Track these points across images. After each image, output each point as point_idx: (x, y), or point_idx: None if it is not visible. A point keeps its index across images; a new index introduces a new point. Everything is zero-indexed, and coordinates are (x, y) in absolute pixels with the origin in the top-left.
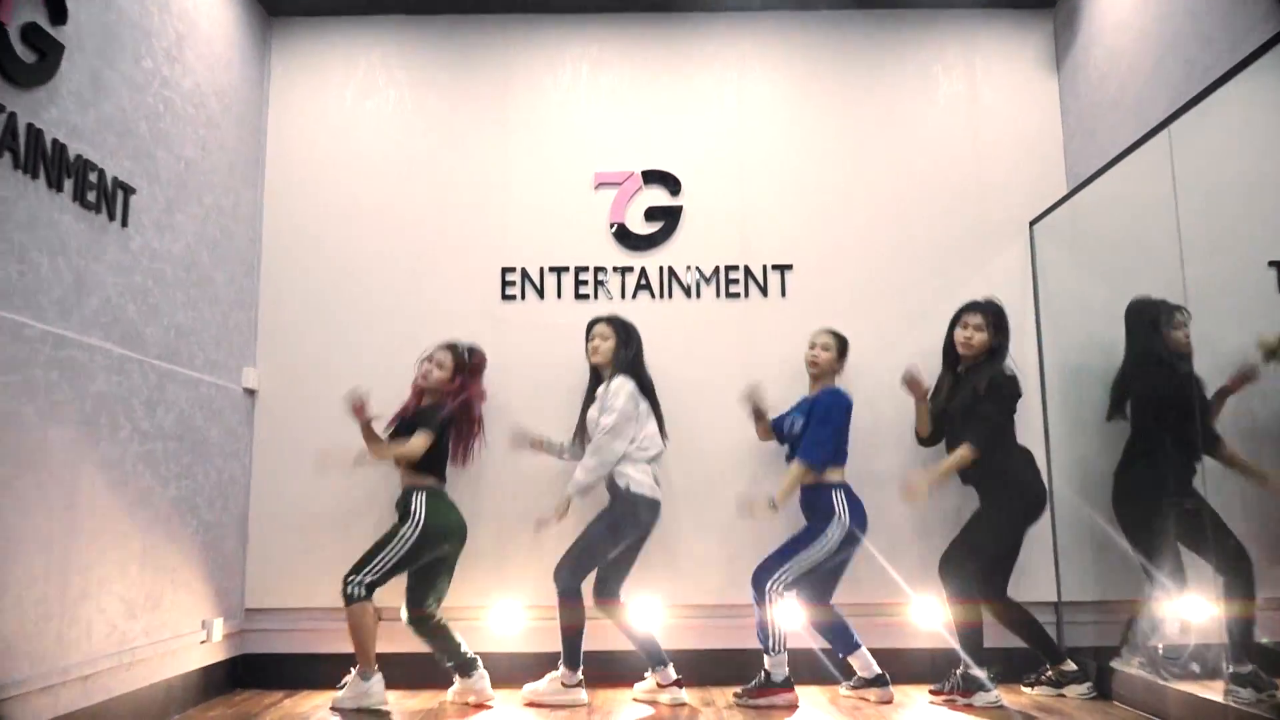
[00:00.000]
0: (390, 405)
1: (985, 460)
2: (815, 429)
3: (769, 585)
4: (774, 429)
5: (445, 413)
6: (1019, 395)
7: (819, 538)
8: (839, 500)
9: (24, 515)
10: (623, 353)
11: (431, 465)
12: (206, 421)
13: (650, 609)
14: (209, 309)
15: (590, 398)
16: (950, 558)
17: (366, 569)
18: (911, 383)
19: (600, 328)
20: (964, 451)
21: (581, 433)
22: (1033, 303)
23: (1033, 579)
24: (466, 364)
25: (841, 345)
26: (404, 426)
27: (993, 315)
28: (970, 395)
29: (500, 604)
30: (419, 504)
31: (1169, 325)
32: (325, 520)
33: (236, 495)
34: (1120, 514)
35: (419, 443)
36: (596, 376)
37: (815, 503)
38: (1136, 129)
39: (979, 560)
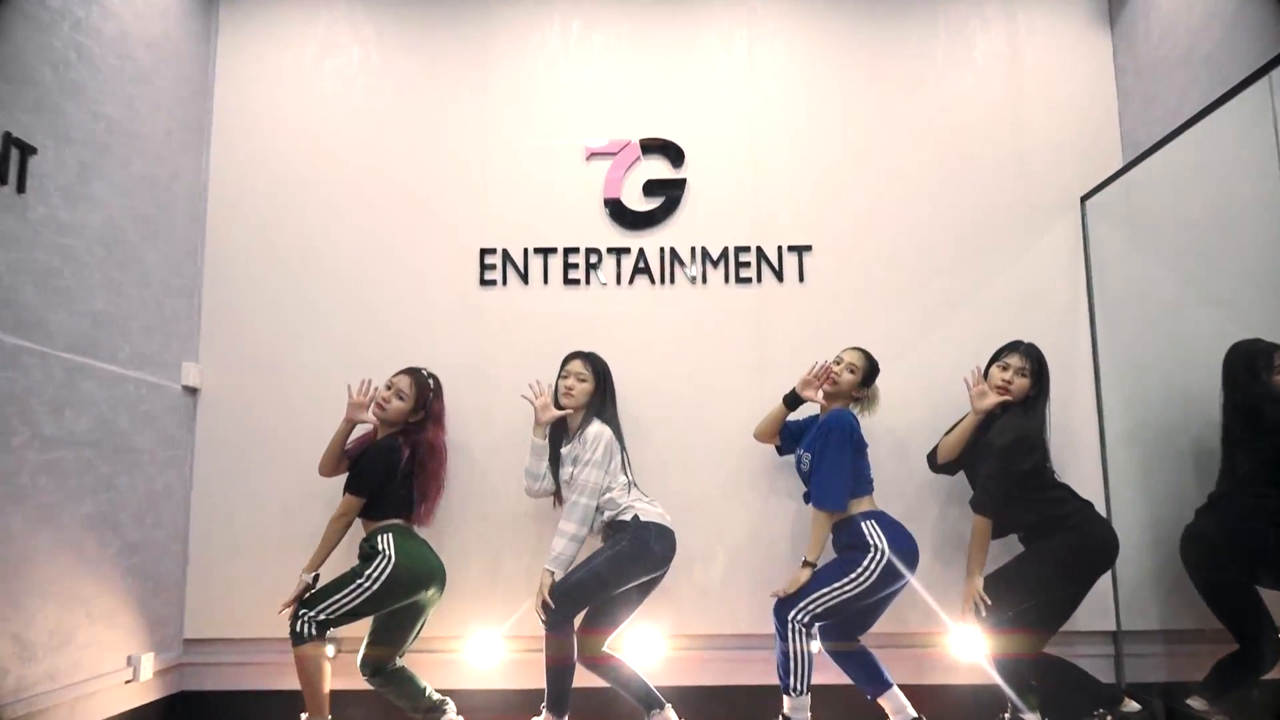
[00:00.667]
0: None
1: (1022, 522)
2: (826, 473)
3: (792, 615)
4: (785, 439)
5: (399, 465)
6: (1033, 456)
7: (854, 569)
8: (871, 531)
9: None
10: (598, 400)
11: (392, 506)
12: (134, 425)
13: (647, 641)
14: (137, 294)
15: (558, 438)
16: (994, 581)
17: (322, 606)
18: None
19: (577, 367)
20: (975, 526)
21: (555, 468)
22: (1085, 290)
23: (1087, 607)
24: (431, 394)
25: (870, 371)
26: (354, 465)
27: (1034, 361)
28: (987, 447)
29: (478, 636)
30: (386, 544)
31: (1269, 369)
32: (279, 537)
33: (173, 509)
34: (1211, 580)
35: (344, 507)
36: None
37: (845, 538)
38: (1211, 88)
39: (1025, 595)
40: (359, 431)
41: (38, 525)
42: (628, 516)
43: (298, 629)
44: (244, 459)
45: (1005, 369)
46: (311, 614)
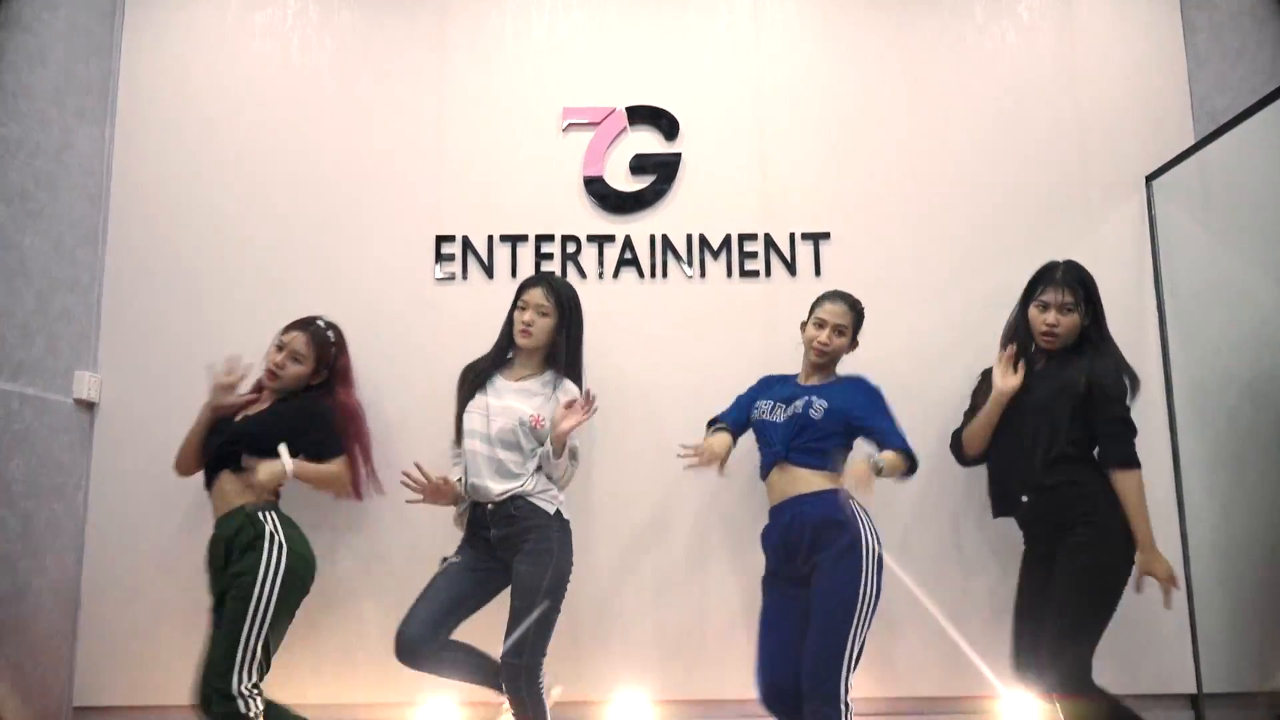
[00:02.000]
0: None
1: (1082, 488)
2: (889, 419)
3: (843, 688)
4: (734, 425)
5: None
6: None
7: (858, 579)
8: (860, 513)
9: None
10: (562, 340)
11: None
12: (6, 449)
13: (636, 709)
14: (7, 287)
15: (476, 388)
16: (1048, 638)
17: (240, 662)
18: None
19: (538, 296)
20: (1133, 485)
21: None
22: (1152, 283)
23: (1161, 665)
24: (334, 349)
25: (858, 320)
26: (247, 438)
27: (1081, 287)
28: (1080, 399)
29: (432, 702)
30: (274, 525)
31: None
32: (191, 581)
33: (61, 549)
34: None
35: (340, 470)
36: (498, 357)
37: (820, 511)
38: None
39: (1088, 634)
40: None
41: None
42: (552, 508)
43: (231, 710)
44: (150, 487)
45: (1045, 309)
46: (236, 682)
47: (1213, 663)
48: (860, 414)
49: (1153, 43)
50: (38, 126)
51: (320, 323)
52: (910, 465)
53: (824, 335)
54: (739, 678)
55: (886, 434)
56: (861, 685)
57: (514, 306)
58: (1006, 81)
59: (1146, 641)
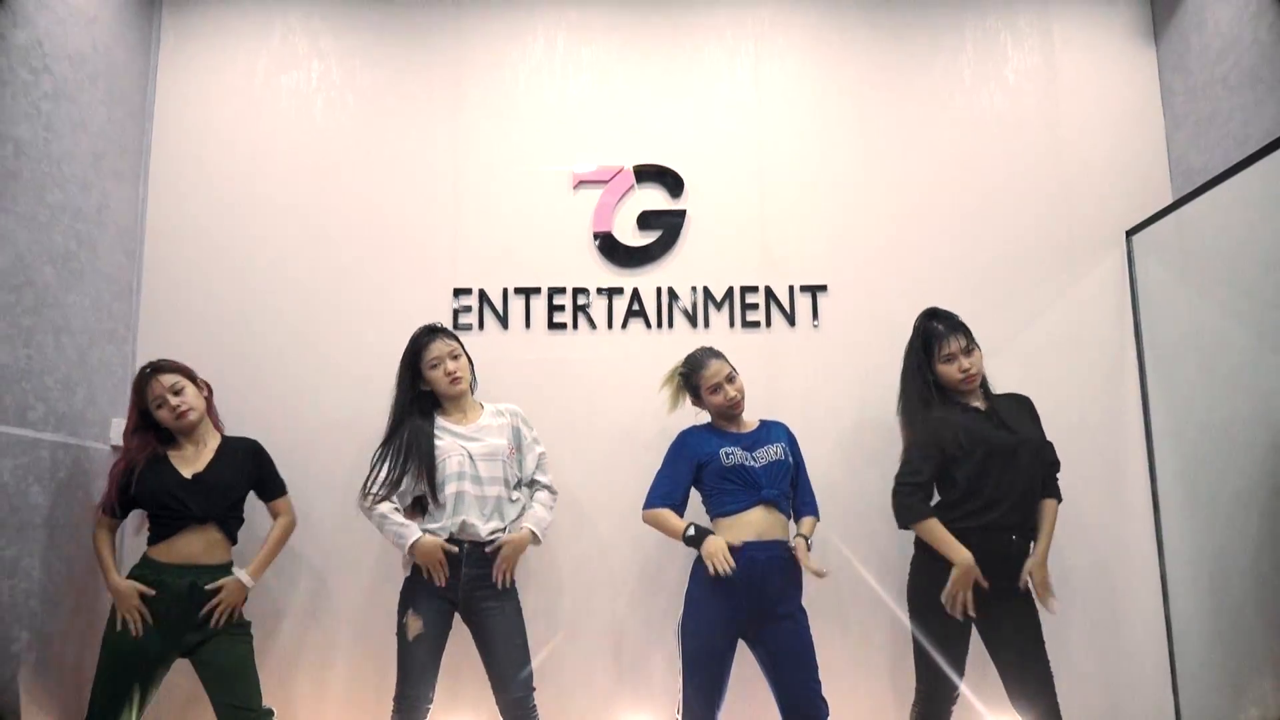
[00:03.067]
0: (320, 461)
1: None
2: (805, 476)
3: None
4: (682, 503)
5: None
6: None
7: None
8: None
9: None
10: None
11: None
12: (47, 496)
13: None
14: (53, 343)
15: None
16: (1031, 676)
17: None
18: None
19: (444, 346)
20: (1054, 512)
21: (430, 485)
22: (1133, 335)
23: (1141, 701)
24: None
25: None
26: (220, 490)
27: (964, 326)
28: (1028, 441)
29: None
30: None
31: None
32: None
33: (99, 586)
34: None
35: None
36: (427, 405)
37: (789, 566)
38: (1271, 122)
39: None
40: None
41: None
42: (541, 529)
43: None
44: None
45: (952, 360)
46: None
47: (1191, 698)
48: (798, 461)
49: (1132, 105)
50: (79, 191)
51: (160, 363)
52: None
53: (733, 389)
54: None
55: (804, 485)
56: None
57: (418, 366)
58: (994, 142)
59: (1127, 678)
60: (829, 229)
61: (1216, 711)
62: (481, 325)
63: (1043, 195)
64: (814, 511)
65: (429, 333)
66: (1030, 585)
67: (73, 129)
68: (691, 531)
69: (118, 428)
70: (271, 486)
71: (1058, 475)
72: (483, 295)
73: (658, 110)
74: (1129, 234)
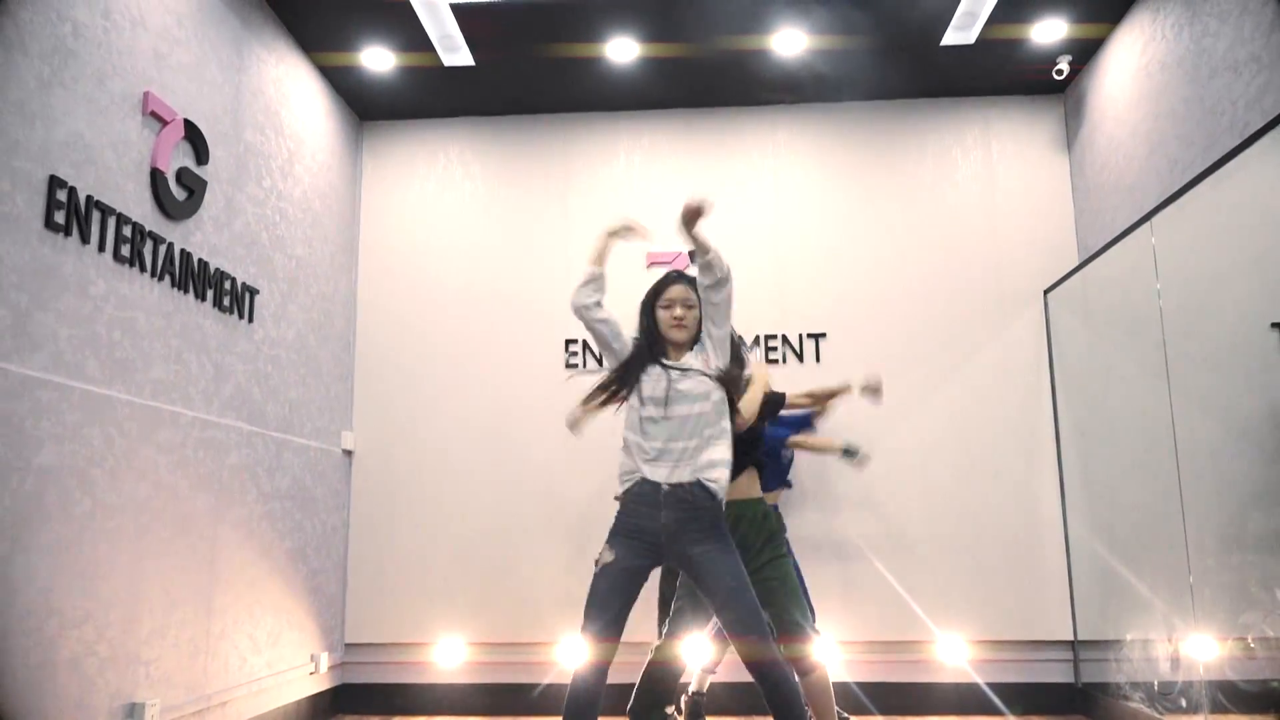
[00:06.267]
0: (470, 460)
1: None
2: None
3: None
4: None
5: None
6: None
7: None
8: None
9: (181, 571)
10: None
11: None
12: (313, 481)
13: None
14: (315, 383)
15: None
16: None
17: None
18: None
19: (681, 292)
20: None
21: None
22: (1048, 366)
23: (1048, 619)
24: None
25: None
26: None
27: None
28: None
29: (444, 640)
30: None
31: None
32: (416, 562)
33: (337, 544)
34: None
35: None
36: (650, 352)
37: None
38: (1131, 214)
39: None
40: None
41: (262, 557)
42: (717, 487)
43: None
44: (387, 503)
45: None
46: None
47: (1085, 617)
48: None
49: (1049, 196)
50: (325, 282)
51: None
52: None
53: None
54: None
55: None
56: (832, 629)
57: (657, 306)
58: (947, 225)
59: (1035, 597)
60: (828, 290)
61: (1106, 625)
62: (584, 364)
63: (982, 263)
64: None
65: (675, 276)
66: None
67: (321, 243)
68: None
69: (345, 436)
70: None
71: None
72: (585, 344)
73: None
74: (1046, 292)
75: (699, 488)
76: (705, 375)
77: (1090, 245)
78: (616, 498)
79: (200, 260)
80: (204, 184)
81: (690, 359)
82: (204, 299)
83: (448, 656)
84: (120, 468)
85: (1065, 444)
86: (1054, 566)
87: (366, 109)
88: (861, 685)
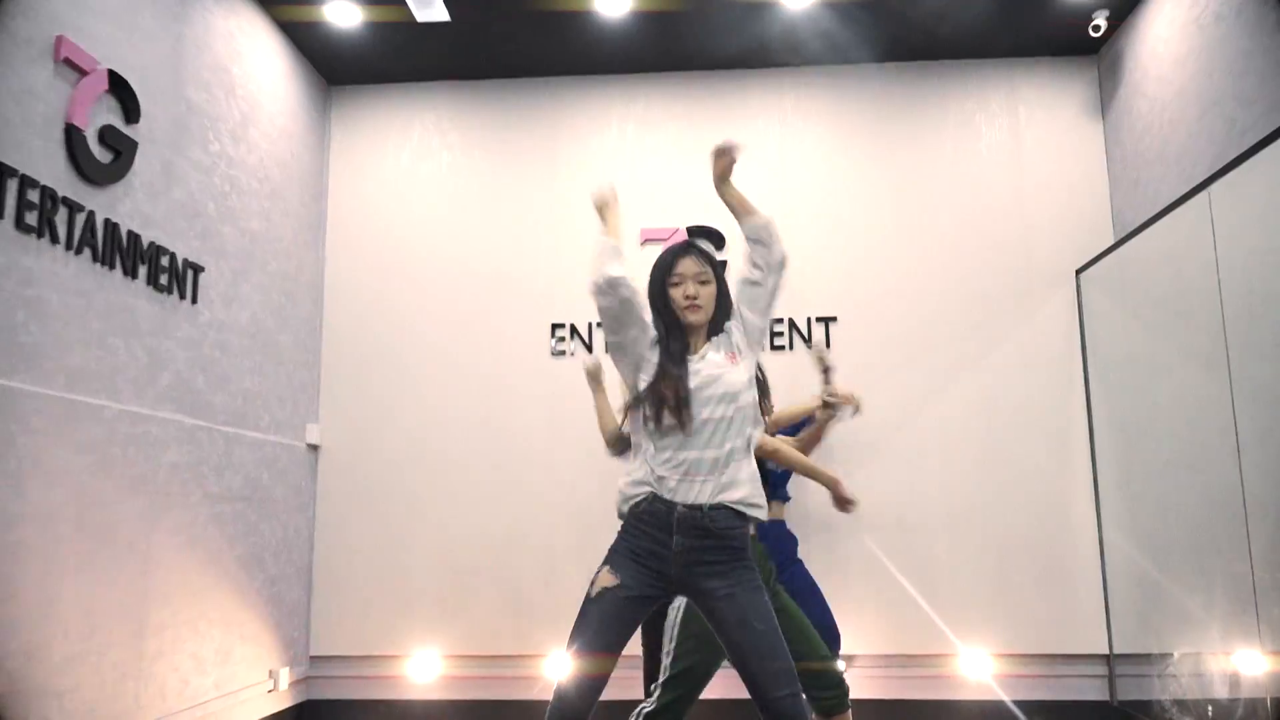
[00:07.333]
0: (449, 455)
1: None
2: None
3: None
4: None
5: None
6: None
7: None
8: None
9: (105, 586)
10: (723, 306)
11: None
12: (272, 480)
13: None
14: (275, 371)
15: (679, 369)
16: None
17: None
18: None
19: (693, 266)
20: None
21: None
22: (1080, 352)
23: (1081, 631)
24: None
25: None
26: None
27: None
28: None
29: (419, 653)
30: None
31: None
32: (388, 567)
33: (300, 547)
34: None
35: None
36: (676, 338)
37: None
38: (1180, 184)
39: None
40: None
41: (207, 565)
42: (759, 512)
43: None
44: (357, 502)
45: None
46: None
47: (1122, 629)
48: None
49: (1082, 168)
50: (286, 258)
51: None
52: None
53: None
54: None
55: None
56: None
57: (668, 284)
58: (969, 200)
59: (1066, 613)
60: (838, 271)
61: (1144, 638)
62: (573, 351)
63: (1009, 241)
64: None
65: (685, 247)
66: None
67: (281, 217)
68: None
69: (310, 430)
70: None
71: None
72: (573, 328)
73: (704, 182)
74: (1078, 272)
75: (722, 512)
76: (732, 371)
77: (1128, 221)
78: (621, 515)
79: (130, 232)
80: (134, 145)
81: (710, 351)
82: (135, 276)
83: (423, 670)
84: (25, 470)
85: (1100, 439)
86: (1087, 573)
87: (334, 72)
88: (875, 703)
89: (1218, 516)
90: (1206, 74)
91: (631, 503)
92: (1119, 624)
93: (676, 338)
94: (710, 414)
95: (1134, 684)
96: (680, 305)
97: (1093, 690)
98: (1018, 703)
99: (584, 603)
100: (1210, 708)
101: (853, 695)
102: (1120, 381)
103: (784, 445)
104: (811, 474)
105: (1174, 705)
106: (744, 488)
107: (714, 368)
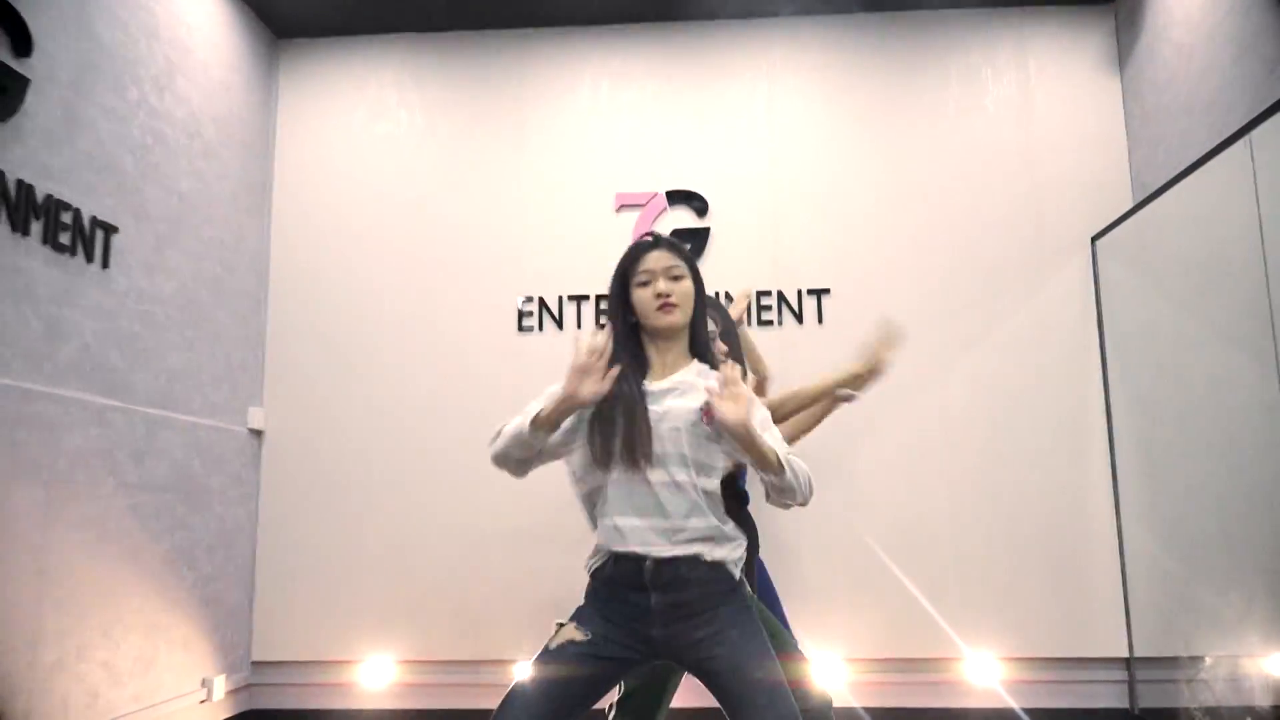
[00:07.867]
0: (406, 442)
1: None
2: None
3: None
4: None
5: None
6: None
7: None
8: None
9: None
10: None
11: None
12: (206, 468)
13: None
14: (209, 349)
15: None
16: None
17: None
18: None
19: (666, 258)
20: None
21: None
22: (1096, 327)
23: (1098, 633)
24: None
25: None
26: None
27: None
28: None
29: (372, 659)
30: None
31: None
32: (339, 565)
33: (241, 543)
34: None
35: None
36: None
37: None
38: (1210, 137)
39: None
40: None
41: (123, 564)
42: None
43: None
44: (306, 494)
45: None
46: None
47: (1143, 630)
48: None
49: (1097, 126)
50: (223, 226)
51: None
52: None
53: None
54: None
55: None
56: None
57: (635, 283)
58: (975, 161)
59: (1085, 614)
60: (831, 240)
61: (1166, 641)
62: (541, 327)
63: (1018, 207)
64: None
65: (651, 242)
66: None
67: (218, 179)
68: None
69: (252, 414)
70: None
71: None
72: (542, 302)
73: (686, 143)
74: (1093, 239)
75: (699, 564)
76: (695, 388)
77: (1148, 182)
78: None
79: (21, 182)
80: (25, 82)
81: (683, 365)
82: (26, 233)
83: (375, 677)
84: None
85: (1118, 422)
86: (1105, 570)
87: (283, 23)
88: (873, 711)
89: (1252, 506)
90: (1242, 13)
91: (594, 563)
92: (1140, 625)
93: (642, 354)
94: (673, 448)
95: (1156, 690)
96: (651, 307)
97: (1111, 697)
98: (1028, 710)
99: (535, 658)
100: (1249, 717)
101: (845, 703)
102: (1140, 358)
103: (786, 392)
104: (818, 397)
105: (1205, 714)
106: (719, 541)
107: (676, 393)
